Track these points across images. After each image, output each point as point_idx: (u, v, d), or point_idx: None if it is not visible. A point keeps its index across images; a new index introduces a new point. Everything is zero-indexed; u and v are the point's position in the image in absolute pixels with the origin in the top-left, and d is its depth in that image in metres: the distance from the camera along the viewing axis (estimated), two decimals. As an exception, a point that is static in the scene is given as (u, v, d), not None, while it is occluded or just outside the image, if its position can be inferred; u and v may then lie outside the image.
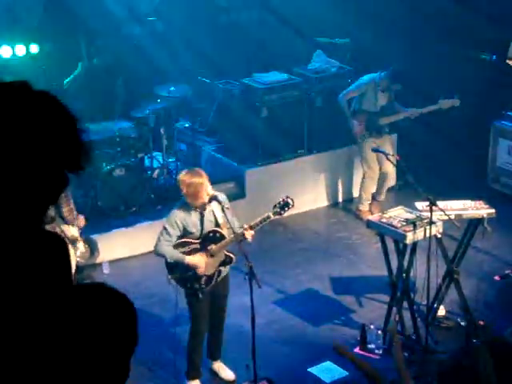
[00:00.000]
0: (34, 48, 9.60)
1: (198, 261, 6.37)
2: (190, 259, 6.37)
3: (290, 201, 6.50)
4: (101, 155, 8.94)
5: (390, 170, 9.44)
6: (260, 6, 11.04)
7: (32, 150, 1.75)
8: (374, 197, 9.70)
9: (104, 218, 8.97)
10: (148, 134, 9.34)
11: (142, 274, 8.39)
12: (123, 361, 1.82)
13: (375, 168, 9.52)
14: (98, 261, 8.60)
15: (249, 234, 6.32)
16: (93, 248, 8.58)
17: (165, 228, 6.38)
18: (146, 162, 9.45)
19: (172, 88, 9.74)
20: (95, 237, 8.67)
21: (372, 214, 9.46)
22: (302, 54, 10.65)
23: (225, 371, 6.90)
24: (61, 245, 1.84)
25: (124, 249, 8.84)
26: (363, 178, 9.62)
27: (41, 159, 1.76)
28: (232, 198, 8.90)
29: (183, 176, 6.33)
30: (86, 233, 8.66)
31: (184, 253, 6.38)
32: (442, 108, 9.35)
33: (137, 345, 1.83)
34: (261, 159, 9.69)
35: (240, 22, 11.15)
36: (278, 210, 6.47)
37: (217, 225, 6.42)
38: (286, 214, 9.29)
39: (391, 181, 9.66)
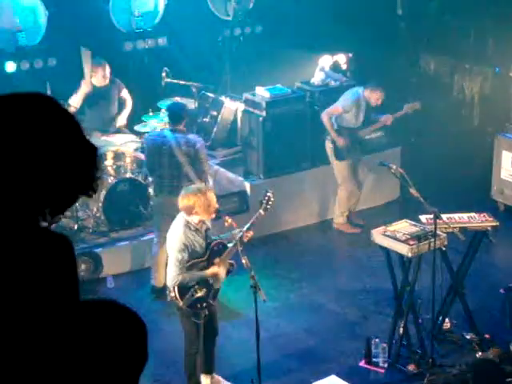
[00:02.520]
0: (39, 63, 9.62)
1: (216, 271, 6.41)
2: (210, 271, 6.40)
3: (269, 194, 6.71)
4: (105, 169, 8.97)
5: (362, 178, 9.65)
6: (264, 21, 11.08)
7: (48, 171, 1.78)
8: (350, 209, 9.74)
9: (108, 232, 8.98)
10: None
11: (147, 289, 8.38)
12: (133, 377, 1.82)
13: (352, 183, 9.59)
14: (102, 275, 8.60)
15: (247, 237, 6.42)
16: (97, 262, 8.60)
17: (175, 252, 6.32)
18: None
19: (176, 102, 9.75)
20: (99, 251, 8.69)
21: (351, 225, 9.63)
22: (305, 67, 10.68)
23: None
24: (66, 246, 1.84)
25: (128, 263, 8.83)
26: (339, 192, 9.65)
27: (57, 179, 1.79)
28: (235, 211, 8.92)
29: (188, 193, 6.39)
30: (90, 247, 8.69)
31: (198, 271, 6.40)
32: (407, 112, 9.53)
33: (147, 361, 1.83)
34: (264, 173, 9.70)
35: (243, 36, 11.19)
36: (265, 205, 6.66)
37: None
38: (290, 227, 9.51)
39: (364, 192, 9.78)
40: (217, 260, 6.42)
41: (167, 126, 8.42)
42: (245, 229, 6.44)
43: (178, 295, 6.34)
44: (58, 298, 1.79)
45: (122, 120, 9.64)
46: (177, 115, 8.06)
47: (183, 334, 6.60)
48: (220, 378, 6.88)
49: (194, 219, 6.35)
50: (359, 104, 9.39)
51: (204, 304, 6.43)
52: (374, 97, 9.34)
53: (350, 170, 9.57)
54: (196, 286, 6.36)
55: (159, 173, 7.97)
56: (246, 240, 6.44)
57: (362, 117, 9.45)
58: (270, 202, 6.68)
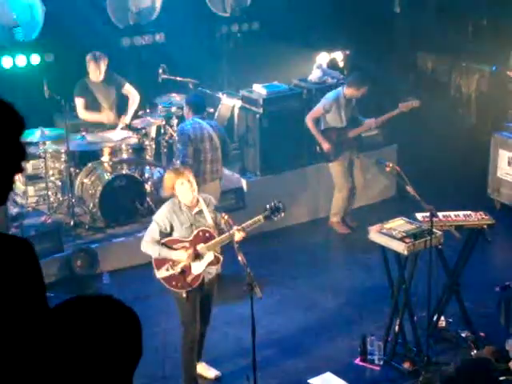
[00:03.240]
0: (36, 58, 9.60)
1: (184, 257, 6.39)
2: (177, 255, 6.40)
3: (281, 205, 6.55)
4: (101, 165, 8.97)
5: (359, 180, 9.60)
6: (261, 18, 11.07)
7: None
8: (346, 209, 9.73)
9: (104, 228, 8.97)
10: (149, 144, 9.36)
11: (142, 285, 8.38)
12: (127, 373, 1.82)
13: (346, 183, 9.57)
14: (98, 271, 8.60)
15: (238, 236, 6.34)
16: (93, 258, 8.59)
17: (153, 224, 6.47)
18: (147, 172, 9.45)
19: (173, 99, 9.75)
20: (95, 247, 8.68)
21: (344, 225, 9.65)
22: (302, 64, 10.69)
23: (209, 370, 6.92)
24: (26, 249, 1.84)
25: (124, 259, 8.83)
26: (334, 192, 9.65)
27: None
28: (232, 209, 8.92)
29: (165, 173, 6.61)
30: (86, 243, 8.69)
31: (171, 249, 6.43)
32: (403, 111, 9.35)
33: (141, 357, 1.83)
34: (261, 170, 9.70)
35: (240, 33, 11.18)
36: (269, 213, 6.51)
37: (207, 224, 6.48)
38: (286, 224, 9.48)
39: (360, 191, 9.73)
40: (201, 246, 6.42)
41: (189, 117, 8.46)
42: (238, 227, 6.39)
43: (154, 264, 6.50)
44: (24, 300, 1.80)
45: (127, 119, 9.55)
46: (201, 105, 8.59)
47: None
48: (206, 365, 6.93)
49: (179, 199, 6.41)
50: (339, 102, 9.33)
51: (179, 284, 6.44)
52: (350, 92, 9.28)
53: (343, 171, 9.54)
54: (171, 263, 6.42)
55: (203, 158, 8.32)
56: (236, 239, 6.34)
57: (345, 115, 9.40)
58: (276, 213, 6.52)
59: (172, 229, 6.44)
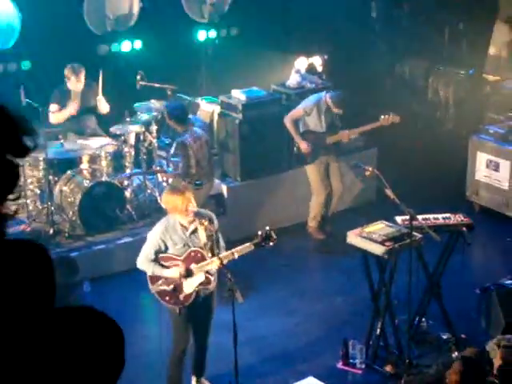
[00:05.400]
0: (12, 66, 9.56)
1: (177, 276, 6.37)
2: (169, 273, 6.38)
3: (272, 234, 6.46)
4: (80, 173, 8.94)
5: (337, 185, 9.57)
6: (240, 24, 11.08)
7: None
8: (323, 214, 9.75)
9: (84, 236, 8.93)
10: (128, 151, 9.34)
11: (124, 292, 8.34)
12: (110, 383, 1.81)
13: (323, 188, 9.58)
14: (78, 279, 8.55)
15: (225, 261, 6.29)
16: (73, 266, 8.54)
17: (147, 243, 6.45)
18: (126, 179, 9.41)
19: (151, 105, 9.74)
20: (76, 255, 8.63)
21: (320, 231, 9.64)
22: (281, 69, 10.72)
23: None
24: (39, 252, 1.82)
25: (105, 267, 8.79)
26: (312, 197, 9.67)
27: None
28: (212, 214, 8.91)
29: (164, 192, 6.48)
30: (66, 251, 8.64)
31: (164, 267, 6.39)
32: (383, 124, 9.30)
33: (123, 368, 1.82)
34: (241, 175, 9.70)
35: (218, 39, 11.19)
36: (259, 241, 6.43)
37: (200, 244, 6.42)
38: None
39: (338, 196, 9.71)
40: (193, 266, 6.39)
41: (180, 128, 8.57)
42: (228, 252, 6.35)
43: (148, 279, 6.49)
44: (31, 307, 1.78)
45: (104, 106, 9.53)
46: (184, 113, 8.74)
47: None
48: (206, 383, 6.87)
49: (175, 217, 6.38)
50: (320, 107, 9.35)
51: (172, 300, 6.43)
52: (331, 104, 9.30)
53: (319, 176, 9.55)
54: (164, 279, 6.40)
55: (203, 164, 8.55)
56: (223, 264, 6.30)
57: (325, 121, 9.42)
58: (267, 241, 6.41)
59: (166, 247, 6.42)
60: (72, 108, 9.33)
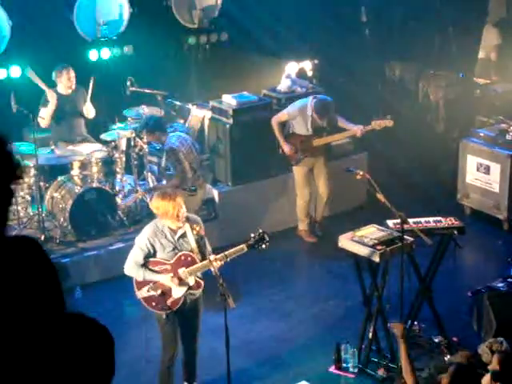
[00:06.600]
0: (2, 73, 9.54)
1: (168, 280, 6.34)
2: (161, 278, 6.35)
3: (265, 236, 6.47)
4: (71, 179, 8.92)
5: (324, 189, 9.58)
6: (230, 29, 11.08)
7: None
8: (311, 217, 9.76)
9: (75, 242, 8.91)
10: (119, 157, 9.32)
11: (115, 299, 8.33)
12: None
13: (306, 191, 9.60)
14: (69, 285, 8.53)
15: (217, 265, 6.25)
16: (64, 273, 8.51)
17: (135, 247, 6.39)
18: (117, 185, 9.40)
19: (142, 110, 9.73)
20: (67, 261, 8.61)
21: (311, 234, 9.66)
22: (271, 74, 10.72)
23: None
24: (35, 248, 1.82)
25: (96, 273, 8.77)
26: (297, 200, 9.69)
27: None
28: (204, 219, 8.88)
29: (154, 197, 6.40)
30: (57, 257, 8.62)
31: (154, 272, 6.36)
32: (375, 128, 9.32)
33: (113, 375, 1.82)
34: (232, 180, 9.70)
35: (209, 44, 11.18)
36: (252, 243, 6.43)
37: (190, 248, 6.39)
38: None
39: (326, 199, 9.70)
40: (182, 270, 6.36)
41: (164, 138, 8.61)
42: (220, 255, 6.31)
43: (134, 285, 6.44)
44: (31, 310, 1.77)
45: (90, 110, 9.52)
46: (161, 122, 8.88)
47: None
48: None
49: (164, 221, 6.35)
50: (304, 112, 9.34)
51: (159, 305, 6.40)
52: (314, 116, 9.30)
53: (303, 178, 9.56)
54: (151, 285, 6.36)
55: (195, 167, 8.61)
56: (217, 267, 6.26)
57: (311, 125, 9.41)
58: (260, 243, 6.42)
59: (155, 251, 6.37)
60: (50, 97, 9.17)
